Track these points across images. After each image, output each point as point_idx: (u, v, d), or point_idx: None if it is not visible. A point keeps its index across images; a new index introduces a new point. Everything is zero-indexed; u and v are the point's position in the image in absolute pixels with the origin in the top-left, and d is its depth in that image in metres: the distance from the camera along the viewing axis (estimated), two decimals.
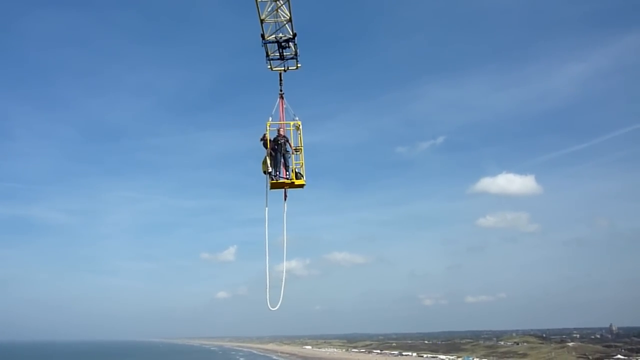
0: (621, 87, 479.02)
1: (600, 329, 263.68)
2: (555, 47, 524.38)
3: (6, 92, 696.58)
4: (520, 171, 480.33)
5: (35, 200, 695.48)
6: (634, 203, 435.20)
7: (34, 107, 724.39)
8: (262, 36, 22.81)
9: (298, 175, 22.07)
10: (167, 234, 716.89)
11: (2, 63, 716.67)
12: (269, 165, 21.85)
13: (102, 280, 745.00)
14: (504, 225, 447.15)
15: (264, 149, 22.24)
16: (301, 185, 22.29)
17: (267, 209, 22.20)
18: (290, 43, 22.87)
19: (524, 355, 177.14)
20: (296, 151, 22.37)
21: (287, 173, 22.20)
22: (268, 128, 22.25)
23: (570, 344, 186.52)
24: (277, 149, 22.17)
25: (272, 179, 21.86)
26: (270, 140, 22.18)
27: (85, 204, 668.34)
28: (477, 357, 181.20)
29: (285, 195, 22.40)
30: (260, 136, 22.40)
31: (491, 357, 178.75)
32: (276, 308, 21.42)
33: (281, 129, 22.46)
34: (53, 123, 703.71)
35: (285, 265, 22.19)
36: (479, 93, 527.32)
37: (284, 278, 22.02)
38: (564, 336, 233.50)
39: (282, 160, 22.19)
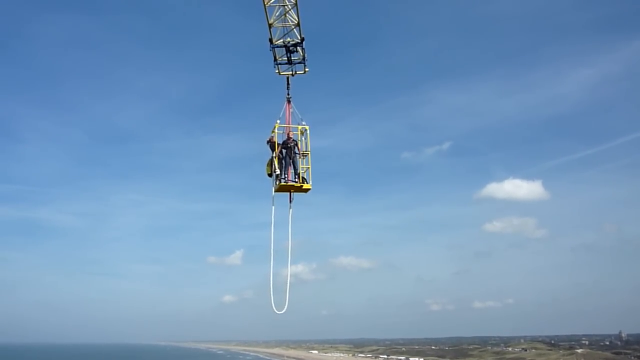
0: (630, 93, 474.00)
1: (610, 335, 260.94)
2: (563, 52, 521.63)
3: (15, 95, 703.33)
4: (527, 177, 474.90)
5: (43, 203, 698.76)
6: None
7: (43, 110, 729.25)
8: (270, 40, 22.93)
9: (303, 180, 22.24)
10: (174, 237, 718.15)
11: (11, 66, 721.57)
12: (277, 167, 21.97)
13: (109, 283, 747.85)
14: (511, 230, 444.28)
15: (270, 151, 22.39)
16: (307, 190, 22.42)
17: (273, 208, 22.29)
18: (298, 47, 22.97)
19: None
20: (303, 155, 22.54)
21: (295, 176, 22.39)
22: (276, 130, 22.41)
23: (579, 350, 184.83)
24: (287, 152, 22.31)
25: (281, 182, 22.01)
26: (279, 143, 22.37)
27: (93, 206, 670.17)
28: None
29: (291, 199, 22.48)
30: (267, 138, 22.53)
31: None
32: (282, 312, 21.44)
33: (291, 133, 22.63)
34: (61, 126, 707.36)
35: (290, 269, 22.23)
36: (487, 98, 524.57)
37: (288, 282, 22.11)
38: (572, 342, 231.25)
39: (292, 163, 22.36)
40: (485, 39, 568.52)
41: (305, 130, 22.69)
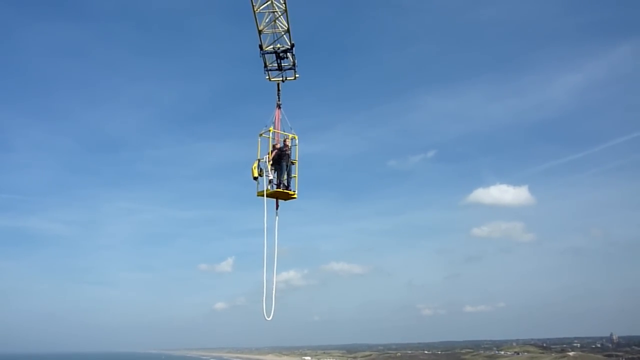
0: (617, 97, 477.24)
1: (601, 338, 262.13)
2: (550, 57, 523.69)
3: (5, 104, 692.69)
4: (515, 181, 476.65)
5: (34, 211, 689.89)
6: (630, 211, 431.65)
7: (33, 118, 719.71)
8: (260, 47, 23.00)
9: (289, 188, 22.44)
10: (165, 244, 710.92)
11: (1, 75, 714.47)
12: (269, 172, 22.01)
13: (100, 291, 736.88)
14: (499, 235, 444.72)
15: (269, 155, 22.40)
16: (294, 198, 22.50)
17: (265, 214, 22.10)
18: (288, 54, 23.08)
19: None
20: (291, 164, 22.65)
21: (285, 184, 22.43)
22: (270, 135, 22.52)
23: (571, 353, 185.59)
24: (283, 159, 22.34)
25: (274, 187, 22.04)
26: (272, 150, 22.41)
27: (84, 215, 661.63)
28: None
29: (277, 205, 22.51)
30: (274, 143, 22.50)
31: None
32: (270, 318, 21.39)
33: (287, 140, 22.66)
34: (52, 134, 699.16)
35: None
36: (476, 103, 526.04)
37: (274, 288, 21.99)
38: (564, 345, 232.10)
39: (287, 171, 22.38)
40: (474, 45, 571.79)
41: (294, 139, 22.76)
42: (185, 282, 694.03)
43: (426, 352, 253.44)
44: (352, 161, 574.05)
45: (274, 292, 21.79)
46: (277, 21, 22.27)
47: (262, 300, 21.32)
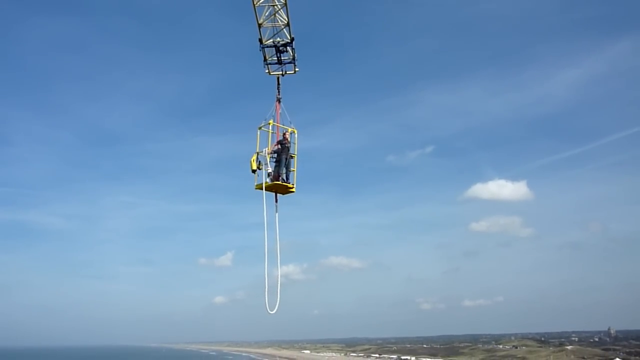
0: (616, 92, 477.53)
1: (599, 332, 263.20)
2: (550, 53, 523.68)
3: (5, 98, 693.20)
4: (514, 176, 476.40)
5: (34, 205, 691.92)
6: (628, 206, 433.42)
7: (33, 112, 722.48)
8: (260, 40, 23.01)
9: (288, 182, 22.45)
10: (165, 238, 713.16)
11: (1, 69, 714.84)
12: (268, 165, 22.09)
13: (100, 285, 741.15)
14: (497, 229, 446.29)
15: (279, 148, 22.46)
16: (292, 191, 22.60)
17: (265, 207, 22.10)
18: (288, 47, 23.07)
19: (523, 358, 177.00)
20: (290, 158, 22.70)
21: (284, 177, 22.50)
22: (270, 129, 22.52)
23: (569, 347, 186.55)
24: (283, 153, 22.42)
25: (273, 180, 22.07)
26: (273, 143, 22.49)
27: (84, 209, 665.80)
28: None
29: (276, 199, 22.61)
30: (280, 137, 22.57)
31: None
32: (274, 311, 21.56)
33: (287, 133, 22.72)
34: (51, 128, 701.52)
35: (281, 269, 22.32)
36: (475, 98, 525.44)
37: (279, 282, 22.11)
38: (562, 339, 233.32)
39: (285, 164, 22.45)
40: (474, 39, 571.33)
41: (293, 133, 22.82)
42: (184, 276, 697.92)
43: (425, 346, 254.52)
44: (351, 156, 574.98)
45: (279, 285, 21.94)
46: (277, 15, 22.28)
47: (265, 294, 21.46)
